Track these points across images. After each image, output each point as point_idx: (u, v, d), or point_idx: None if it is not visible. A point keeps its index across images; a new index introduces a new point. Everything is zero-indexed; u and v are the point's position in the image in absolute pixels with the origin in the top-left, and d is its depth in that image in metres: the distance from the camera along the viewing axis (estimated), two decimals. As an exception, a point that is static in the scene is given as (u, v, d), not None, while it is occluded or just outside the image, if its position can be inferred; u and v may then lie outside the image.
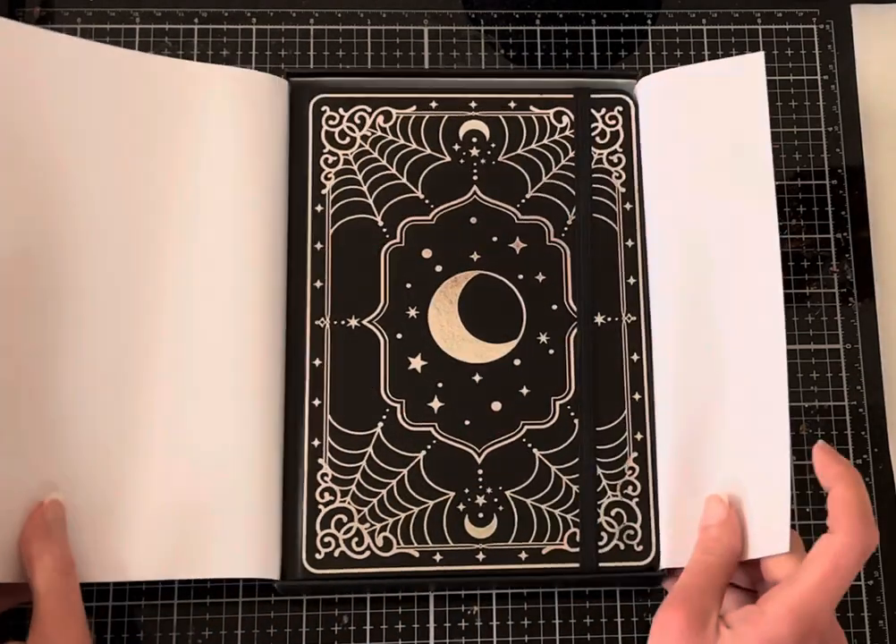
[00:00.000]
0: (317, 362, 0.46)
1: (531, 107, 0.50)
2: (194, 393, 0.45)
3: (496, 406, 0.46)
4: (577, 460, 0.45)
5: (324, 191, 0.48)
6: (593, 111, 0.50)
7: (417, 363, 0.46)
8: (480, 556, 0.45)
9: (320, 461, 0.45)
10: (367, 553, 0.45)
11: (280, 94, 0.49)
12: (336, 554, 0.45)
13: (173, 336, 0.46)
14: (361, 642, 0.48)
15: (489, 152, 0.49)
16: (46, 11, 0.55)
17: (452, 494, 0.45)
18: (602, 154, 0.49)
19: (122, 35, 0.55)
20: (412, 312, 0.47)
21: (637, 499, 0.45)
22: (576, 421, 0.46)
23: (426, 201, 0.48)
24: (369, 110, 0.49)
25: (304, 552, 0.45)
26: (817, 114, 0.55)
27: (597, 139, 0.49)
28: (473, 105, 0.50)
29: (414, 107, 0.49)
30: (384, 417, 0.46)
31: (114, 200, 0.46)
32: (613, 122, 0.50)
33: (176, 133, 0.47)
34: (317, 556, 0.45)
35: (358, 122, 0.49)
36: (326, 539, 0.45)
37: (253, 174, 0.47)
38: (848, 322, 0.53)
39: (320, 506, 0.45)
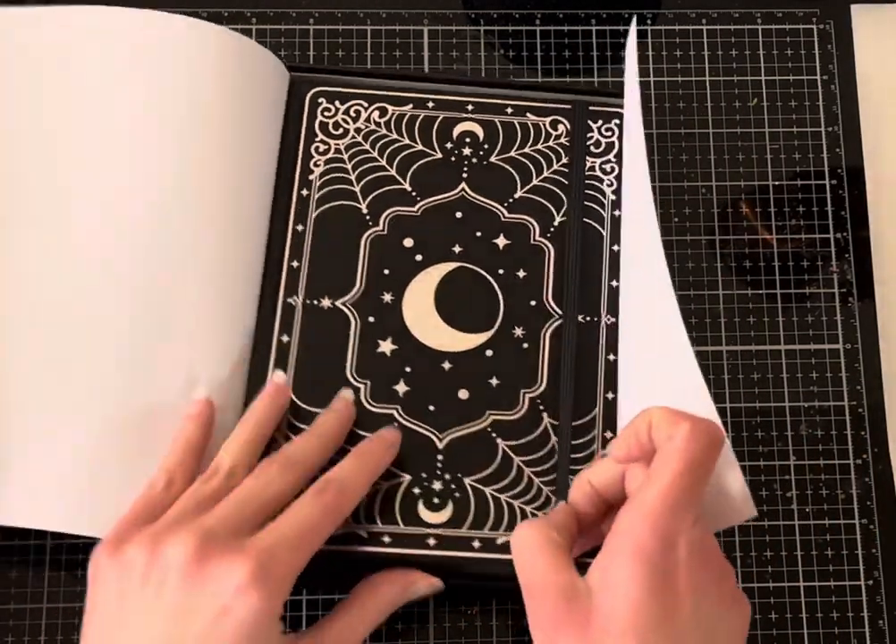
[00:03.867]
0: (285, 338, 0.46)
1: (528, 114, 0.50)
2: (151, 354, 0.44)
3: (463, 394, 0.45)
4: (541, 453, 0.45)
5: (311, 177, 0.48)
6: (590, 122, 0.50)
7: (386, 346, 0.46)
8: (431, 542, 0.43)
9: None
10: None
11: (280, 74, 0.49)
12: None
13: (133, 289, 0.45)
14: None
15: (481, 152, 0.49)
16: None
17: (408, 477, 0.44)
18: (595, 162, 0.49)
19: (122, 35, 0.55)
20: (387, 297, 0.46)
21: None
22: (544, 415, 0.45)
23: (413, 194, 0.48)
24: (365, 105, 0.49)
25: None
26: (817, 114, 0.55)
27: (592, 147, 0.49)
28: (470, 107, 0.50)
29: (411, 106, 0.50)
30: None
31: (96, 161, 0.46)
32: (609, 133, 0.50)
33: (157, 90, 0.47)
34: None
35: (353, 115, 0.49)
36: None
37: (244, 143, 0.47)
38: (848, 322, 0.53)
39: None
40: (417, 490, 0.44)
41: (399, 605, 0.42)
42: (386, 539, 0.43)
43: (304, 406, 0.45)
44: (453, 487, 0.44)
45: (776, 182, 0.54)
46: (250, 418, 0.43)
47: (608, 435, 0.45)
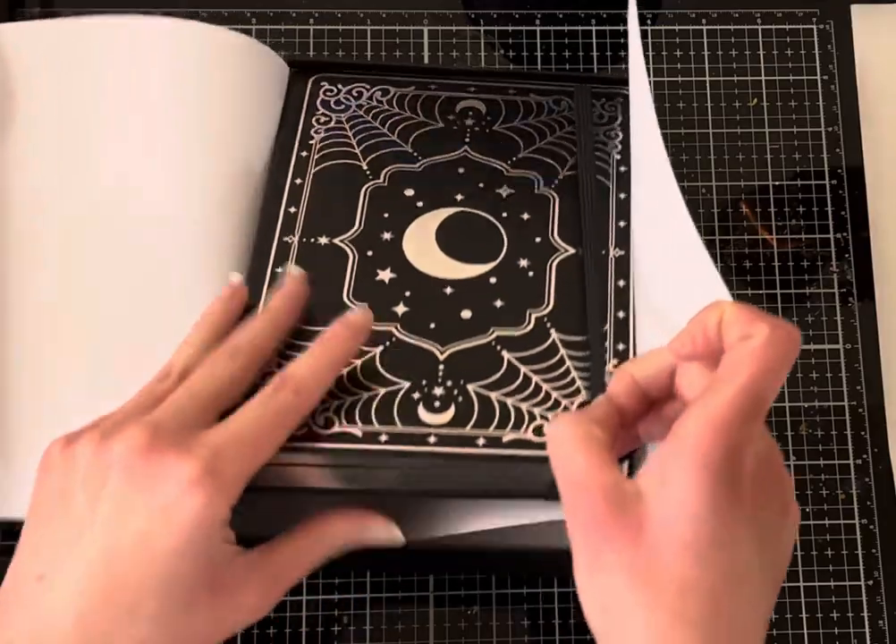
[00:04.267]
0: (279, 270, 0.45)
1: (531, 94, 0.50)
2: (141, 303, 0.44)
3: (466, 314, 0.44)
4: (549, 362, 0.42)
5: (311, 141, 0.48)
6: (593, 100, 0.50)
7: (385, 275, 0.45)
8: (432, 439, 0.40)
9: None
10: (304, 429, 0.40)
11: (279, 67, 0.50)
12: None
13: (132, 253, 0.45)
14: (361, 642, 0.48)
15: (484, 123, 0.49)
16: (45, 10, 0.55)
17: (407, 384, 0.42)
18: (599, 130, 0.49)
19: (122, 35, 0.55)
20: (386, 235, 0.45)
21: None
22: (552, 331, 0.43)
23: (415, 154, 0.48)
24: (368, 87, 0.50)
25: None
26: (817, 114, 0.55)
27: (595, 119, 0.49)
28: (472, 89, 0.50)
29: (413, 87, 0.50)
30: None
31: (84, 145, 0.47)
32: (612, 109, 0.50)
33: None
34: None
35: (355, 94, 0.49)
36: None
37: (245, 135, 0.48)
38: (848, 322, 0.53)
39: None
40: (416, 395, 0.41)
41: (352, 542, 0.40)
42: (383, 438, 0.40)
43: (302, 326, 0.43)
44: (455, 392, 0.42)
45: (776, 182, 0.54)
46: (204, 320, 0.41)
47: (620, 346, 0.43)
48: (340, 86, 0.50)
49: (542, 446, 0.37)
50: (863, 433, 0.51)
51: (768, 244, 0.54)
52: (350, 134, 0.48)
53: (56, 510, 0.35)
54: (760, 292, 0.53)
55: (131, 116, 0.47)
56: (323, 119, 0.49)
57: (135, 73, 0.48)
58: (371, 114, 0.49)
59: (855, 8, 0.57)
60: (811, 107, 0.56)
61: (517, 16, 0.57)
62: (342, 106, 0.49)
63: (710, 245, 0.53)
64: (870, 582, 0.49)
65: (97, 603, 0.33)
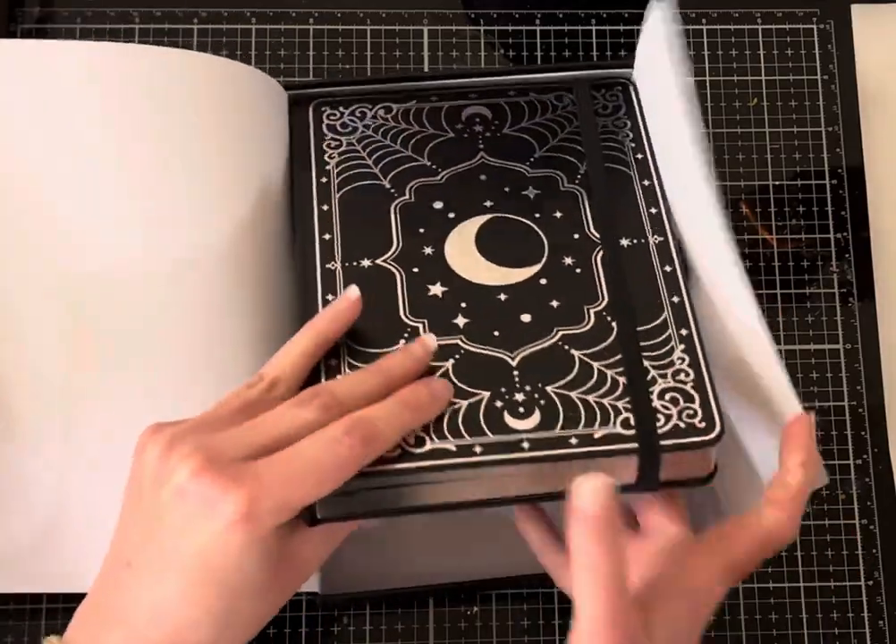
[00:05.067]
0: (330, 297, 0.44)
1: (531, 94, 0.50)
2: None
3: (526, 318, 0.44)
4: (619, 356, 0.43)
5: (328, 167, 0.48)
6: (593, 92, 0.50)
7: (437, 289, 0.44)
8: (525, 445, 0.40)
9: (338, 377, 0.42)
10: (398, 451, 0.40)
11: (277, 93, 0.49)
12: None
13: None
14: (361, 642, 0.48)
15: (493, 127, 0.49)
16: (45, 10, 0.55)
17: (486, 393, 0.42)
18: (607, 120, 0.49)
19: (122, 35, 0.55)
20: (428, 250, 0.45)
21: (691, 383, 0.42)
22: (613, 324, 0.44)
23: (434, 167, 0.48)
24: (369, 106, 0.49)
25: None
26: (817, 114, 0.55)
27: (600, 110, 0.49)
28: (473, 95, 0.50)
29: (414, 101, 0.50)
30: (406, 335, 0.43)
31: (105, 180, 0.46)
32: (614, 98, 0.50)
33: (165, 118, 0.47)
34: None
35: (359, 115, 0.49)
36: None
37: (251, 164, 0.47)
38: (848, 322, 0.53)
39: None
40: (499, 403, 0.41)
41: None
42: (478, 449, 0.40)
43: (361, 348, 0.43)
44: (536, 396, 0.42)
45: (776, 182, 0.54)
46: (309, 330, 0.41)
47: (683, 332, 0.43)
48: (342, 109, 0.50)
49: (633, 439, 0.40)
50: (863, 433, 0.51)
51: (768, 244, 0.54)
52: (364, 154, 0.48)
53: (134, 498, 0.37)
54: (760, 292, 0.53)
55: (133, 148, 0.46)
56: (334, 143, 0.49)
57: (130, 103, 0.47)
58: (381, 133, 0.49)
59: (855, 8, 0.57)
60: (811, 107, 0.56)
61: (517, 16, 0.57)
62: (349, 128, 0.49)
63: (710, 245, 0.53)
64: (870, 582, 0.49)
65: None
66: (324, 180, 0.48)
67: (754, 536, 0.37)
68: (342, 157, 0.48)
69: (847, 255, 0.54)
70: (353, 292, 0.42)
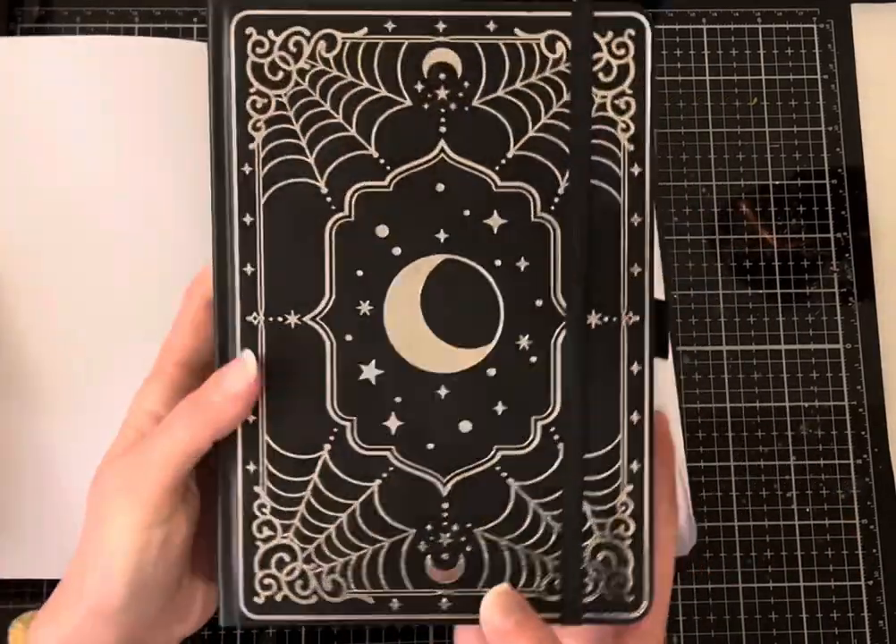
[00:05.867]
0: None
1: (516, 30, 0.38)
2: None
3: (465, 426, 0.38)
4: (558, 494, 0.38)
5: (252, 146, 0.38)
6: (596, 36, 0.38)
7: (370, 372, 0.38)
8: (443, 604, 0.38)
9: (257, 489, 0.38)
10: (314, 598, 0.38)
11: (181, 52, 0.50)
12: (279, 598, 0.38)
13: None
14: (361, 641, 0.48)
15: (461, 94, 0.38)
16: (45, 10, 0.55)
17: (412, 531, 0.38)
18: (606, 97, 0.38)
19: (122, 34, 0.54)
20: (364, 307, 0.38)
21: (629, 541, 0.38)
22: (559, 446, 0.38)
23: (381, 161, 0.38)
24: (307, 33, 0.38)
25: (241, 595, 0.38)
26: (817, 114, 0.55)
27: (601, 75, 0.38)
28: (441, 27, 0.38)
29: (365, 30, 0.38)
30: (332, 438, 0.38)
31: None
32: (622, 51, 0.38)
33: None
34: (257, 600, 0.38)
35: (293, 50, 0.38)
36: (266, 581, 0.38)
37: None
38: (848, 322, 0.53)
39: (258, 542, 0.38)
40: (423, 546, 0.38)
41: None
42: (394, 605, 0.38)
43: (283, 452, 0.38)
44: (463, 539, 0.38)
45: (776, 182, 0.54)
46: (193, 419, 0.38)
47: (634, 466, 0.38)
48: (272, 33, 0.38)
49: (555, 607, 0.37)
50: (863, 433, 0.51)
51: (768, 244, 0.54)
52: (297, 126, 0.38)
53: None
54: (760, 291, 0.53)
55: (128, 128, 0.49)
56: (260, 102, 0.38)
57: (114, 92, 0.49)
58: (319, 88, 0.38)
59: (855, 7, 0.57)
60: (811, 107, 0.56)
61: (517, 15, 0.57)
62: (281, 75, 0.38)
63: (710, 245, 0.53)
64: (870, 582, 0.49)
65: None
66: (247, 169, 0.38)
67: None
68: (271, 131, 0.38)
69: (847, 255, 0.54)
70: (251, 369, 0.37)
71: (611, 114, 0.38)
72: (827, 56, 0.56)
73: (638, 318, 0.38)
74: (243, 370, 0.36)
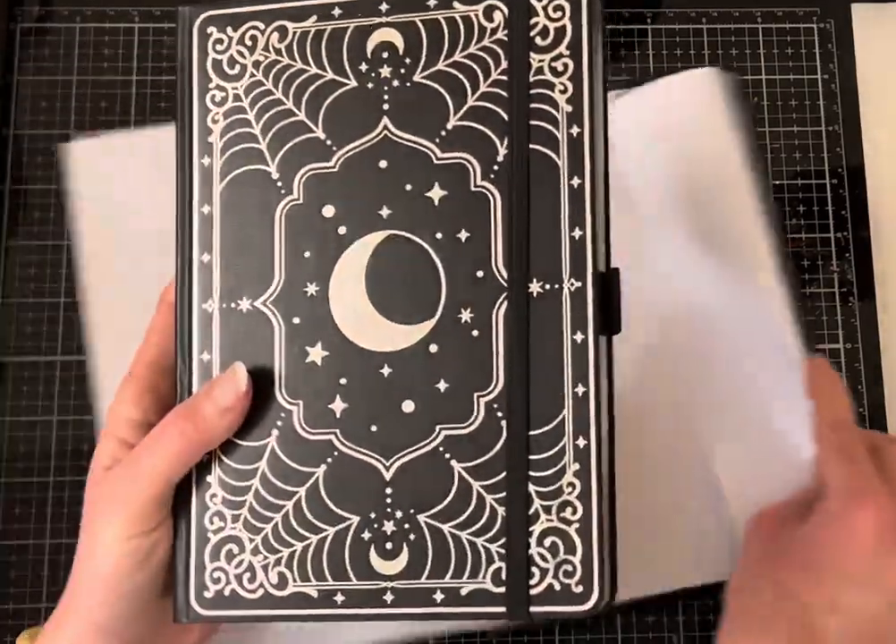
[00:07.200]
0: (206, 357, 0.38)
1: (455, 4, 0.38)
2: None
3: (408, 406, 0.37)
4: (503, 475, 0.36)
5: (211, 138, 0.39)
6: (533, 1, 0.38)
7: (316, 354, 0.38)
8: (388, 597, 0.37)
9: (209, 478, 0.38)
10: (261, 591, 0.37)
11: None
12: (227, 592, 0.38)
13: None
14: None
15: (403, 71, 0.38)
16: (45, 10, 0.55)
17: (355, 519, 0.37)
18: (543, 60, 0.37)
19: (122, 34, 0.54)
20: (311, 289, 0.38)
21: (577, 524, 0.36)
22: (503, 424, 0.36)
23: (328, 142, 0.38)
24: (262, 27, 0.39)
25: (192, 590, 0.38)
26: (817, 114, 0.55)
27: (538, 39, 0.37)
28: (384, 7, 0.39)
29: (314, 18, 0.39)
30: (280, 423, 0.38)
31: None
32: (559, 14, 0.37)
33: None
34: (206, 595, 0.38)
35: (249, 43, 0.39)
36: (216, 575, 0.38)
37: None
38: (848, 322, 0.53)
39: (209, 534, 0.38)
40: (366, 535, 0.37)
41: None
42: (339, 599, 0.37)
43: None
44: (407, 527, 0.37)
45: (776, 182, 0.54)
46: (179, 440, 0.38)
47: (580, 442, 0.36)
48: (230, 30, 0.39)
49: (501, 601, 0.36)
50: (863, 433, 0.51)
51: (768, 244, 0.54)
52: (251, 115, 0.39)
53: None
54: (760, 291, 0.53)
55: None
56: (219, 96, 0.39)
57: None
58: (272, 77, 0.39)
59: (855, 7, 0.57)
60: (811, 107, 0.56)
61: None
62: (237, 69, 0.39)
63: (710, 245, 0.53)
64: (870, 582, 0.49)
65: None
66: (206, 161, 0.39)
67: None
68: (228, 122, 0.39)
69: (847, 254, 0.54)
70: (241, 382, 0.37)
71: (548, 76, 0.37)
72: (827, 56, 0.56)
73: (580, 284, 0.36)
74: (233, 382, 0.37)
